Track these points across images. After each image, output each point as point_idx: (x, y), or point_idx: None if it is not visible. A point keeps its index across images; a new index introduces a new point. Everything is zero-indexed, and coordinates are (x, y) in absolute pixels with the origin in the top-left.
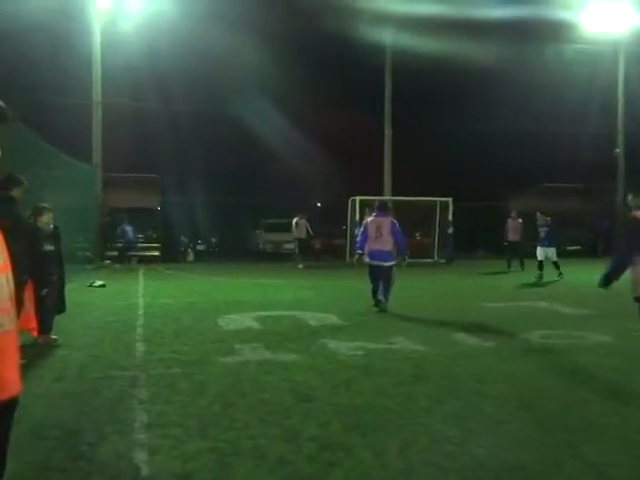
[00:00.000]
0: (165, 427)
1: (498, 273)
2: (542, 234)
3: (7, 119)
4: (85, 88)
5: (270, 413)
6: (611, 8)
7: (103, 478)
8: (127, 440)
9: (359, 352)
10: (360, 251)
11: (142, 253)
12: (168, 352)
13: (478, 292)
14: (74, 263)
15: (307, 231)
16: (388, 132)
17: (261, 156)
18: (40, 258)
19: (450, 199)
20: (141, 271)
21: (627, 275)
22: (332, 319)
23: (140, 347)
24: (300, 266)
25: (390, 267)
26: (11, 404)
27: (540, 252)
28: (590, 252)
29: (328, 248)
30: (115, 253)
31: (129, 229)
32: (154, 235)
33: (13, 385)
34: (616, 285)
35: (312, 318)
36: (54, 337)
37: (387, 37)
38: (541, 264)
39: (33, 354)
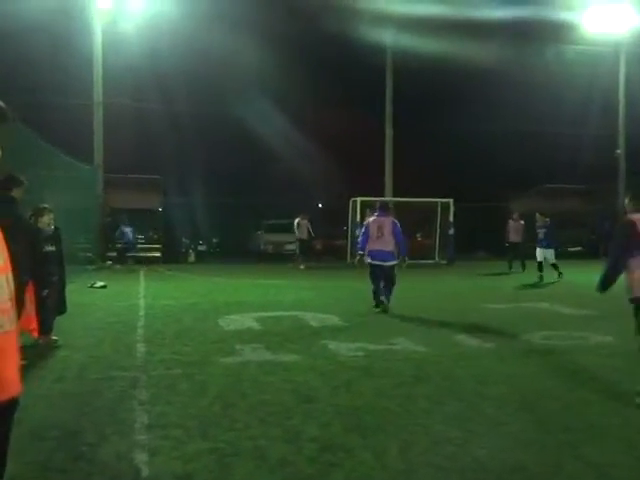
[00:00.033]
0: (166, 428)
1: (499, 274)
2: (540, 235)
3: (7, 119)
4: (86, 88)
5: (271, 414)
6: (612, 9)
7: (103, 479)
8: (127, 441)
9: (360, 353)
10: (361, 252)
11: (143, 254)
12: (169, 353)
13: (479, 293)
14: (75, 264)
15: (308, 232)
16: (389, 133)
17: (262, 157)
18: (41, 259)
19: (451, 200)
20: (142, 272)
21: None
22: (333, 320)
23: (141, 348)
24: (302, 267)
25: (392, 267)
26: (11, 405)
27: (539, 253)
28: (591, 253)
29: (329, 249)
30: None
31: (128, 230)
32: (155, 236)
33: (13, 386)
34: (617, 286)
35: (313, 319)
36: (55, 338)
37: (388, 37)
38: (541, 265)
39: (34, 355)
